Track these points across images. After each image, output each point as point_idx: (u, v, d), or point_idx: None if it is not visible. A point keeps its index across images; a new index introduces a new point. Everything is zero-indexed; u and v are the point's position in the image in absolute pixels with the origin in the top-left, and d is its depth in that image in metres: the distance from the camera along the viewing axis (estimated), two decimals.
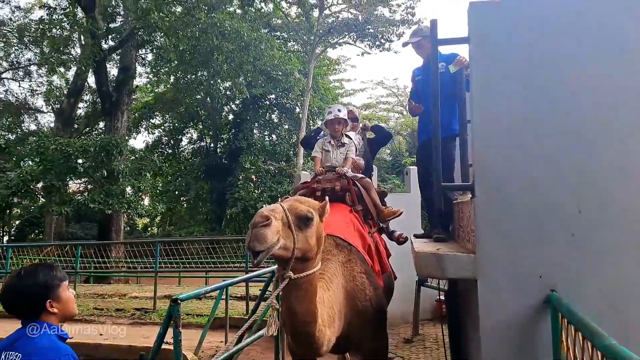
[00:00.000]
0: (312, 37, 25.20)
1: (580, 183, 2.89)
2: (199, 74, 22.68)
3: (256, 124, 27.85)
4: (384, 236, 5.22)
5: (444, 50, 4.86)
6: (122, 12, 22.46)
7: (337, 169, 4.74)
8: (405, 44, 4.79)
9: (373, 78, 49.30)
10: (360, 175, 4.88)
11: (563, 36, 3.02)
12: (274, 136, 28.98)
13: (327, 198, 3.02)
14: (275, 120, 29.01)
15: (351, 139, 5.25)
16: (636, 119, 2.90)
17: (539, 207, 2.88)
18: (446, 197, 4.42)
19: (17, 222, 29.02)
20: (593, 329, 1.99)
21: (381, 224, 4.94)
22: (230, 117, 29.25)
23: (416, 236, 4.60)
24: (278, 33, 27.12)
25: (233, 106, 28.55)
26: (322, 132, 5.73)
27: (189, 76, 23.22)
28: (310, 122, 25.93)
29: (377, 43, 25.69)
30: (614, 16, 3.00)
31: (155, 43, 22.32)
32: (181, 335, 3.69)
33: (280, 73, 23.90)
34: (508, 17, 3.09)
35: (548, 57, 3.01)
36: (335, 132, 5.14)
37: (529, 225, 2.88)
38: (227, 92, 24.57)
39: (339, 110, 5.18)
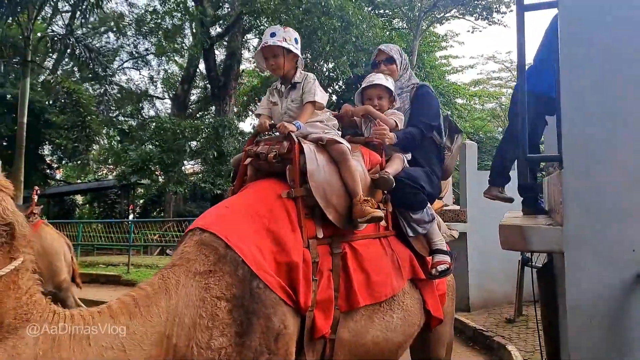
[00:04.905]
0: (416, 13, 24.65)
1: None
2: (302, 57, 23.02)
3: None
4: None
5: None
6: None
7: (278, 124, 2.84)
8: None
9: (483, 53, 47.07)
10: (333, 137, 2.87)
11: None
12: None
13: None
14: None
15: (308, 75, 3.19)
16: None
17: (634, 178, 2.68)
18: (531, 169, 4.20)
19: (142, 200, 31.38)
20: None
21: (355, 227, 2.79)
22: (334, 98, 29.41)
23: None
24: (382, 10, 26.80)
25: (336, 87, 28.71)
26: None
27: None
28: None
29: (486, 15, 24.62)
30: None
31: (261, 28, 23.03)
32: None
33: None
34: None
35: None
36: (271, 68, 3.14)
37: (622, 197, 2.68)
38: (330, 74, 24.78)
39: (273, 34, 3.04)
